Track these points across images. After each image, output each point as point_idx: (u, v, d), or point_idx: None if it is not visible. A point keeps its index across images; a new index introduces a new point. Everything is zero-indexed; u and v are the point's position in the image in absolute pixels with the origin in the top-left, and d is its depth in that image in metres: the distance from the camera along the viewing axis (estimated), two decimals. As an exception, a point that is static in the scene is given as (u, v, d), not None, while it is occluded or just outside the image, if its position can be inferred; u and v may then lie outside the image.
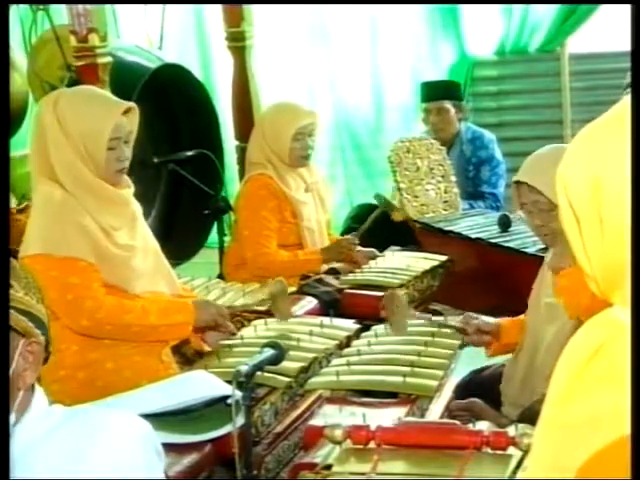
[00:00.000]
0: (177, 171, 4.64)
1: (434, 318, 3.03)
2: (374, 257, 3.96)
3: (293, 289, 3.55)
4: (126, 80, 4.58)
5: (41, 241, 2.73)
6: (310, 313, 3.30)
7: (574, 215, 1.02)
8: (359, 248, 4.08)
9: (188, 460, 2.24)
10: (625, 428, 0.92)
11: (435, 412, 2.53)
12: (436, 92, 5.08)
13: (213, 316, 2.89)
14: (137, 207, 2.94)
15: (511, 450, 1.90)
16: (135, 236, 2.88)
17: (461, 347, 2.90)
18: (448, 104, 5.00)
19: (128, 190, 2.90)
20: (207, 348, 2.91)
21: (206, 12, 6.42)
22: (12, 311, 1.39)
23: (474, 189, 4.95)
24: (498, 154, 5.04)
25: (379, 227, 4.10)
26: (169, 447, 1.91)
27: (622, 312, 1.00)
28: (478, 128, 5.21)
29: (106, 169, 2.80)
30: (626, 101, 1.02)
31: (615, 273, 0.99)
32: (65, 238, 2.72)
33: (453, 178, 4.66)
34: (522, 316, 2.89)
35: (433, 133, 4.92)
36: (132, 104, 2.89)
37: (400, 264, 3.82)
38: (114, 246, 2.79)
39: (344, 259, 3.92)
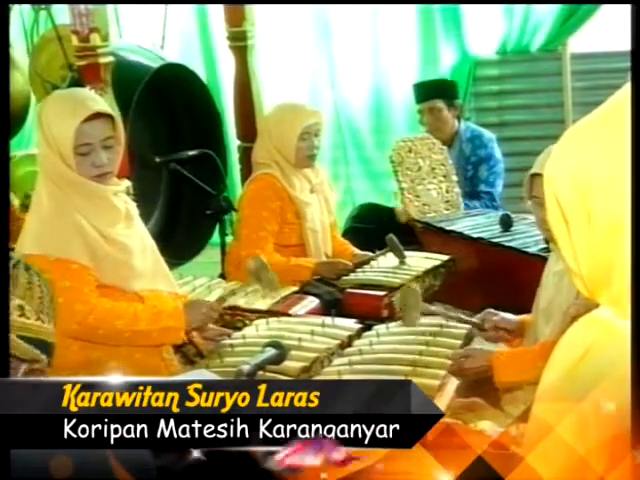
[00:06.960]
0: (179, 171, 4.64)
1: (450, 313, 3.03)
2: (368, 262, 3.88)
3: (295, 288, 3.56)
4: (128, 80, 4.58)
5: (36, 240, 2.73)
6: (312, 312, 3.30)
7: (561, 213, 1.02)
8: (357, 251, 4.05)
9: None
10: (614, 428, 0.92)
11: (436, 412, 2.53)
12: (427, 92, 5.05)
13: (204, 315, 2.86)
14: (132, 206, 2.92)
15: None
16: (131, 235, 2.86)
17: (462, 346, 2.90)
18: (440, 103, 4.97)
19: (117, 187, 2.86)
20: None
21: (210, 11, 6.42)
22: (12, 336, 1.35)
23: (471, 188, 4.92)
24: (497, 153, 5.02)
25: (381, 227, 4.09)
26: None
27: (610, 312, 1.00)
28: (477, 127, 5.21)
29: (81, 174, 2.77)
30: (612, 100, 1.02)
31: (603, 271, 0.99)
32: (58, 238, 2.71)
33: (455, 178, 4.66)
34: None
35: (430, 133, 4.87)
36: (100, 109, 2.78)
37: (402, 264, 3.82)
38: (108, 244, 2.77)
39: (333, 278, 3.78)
